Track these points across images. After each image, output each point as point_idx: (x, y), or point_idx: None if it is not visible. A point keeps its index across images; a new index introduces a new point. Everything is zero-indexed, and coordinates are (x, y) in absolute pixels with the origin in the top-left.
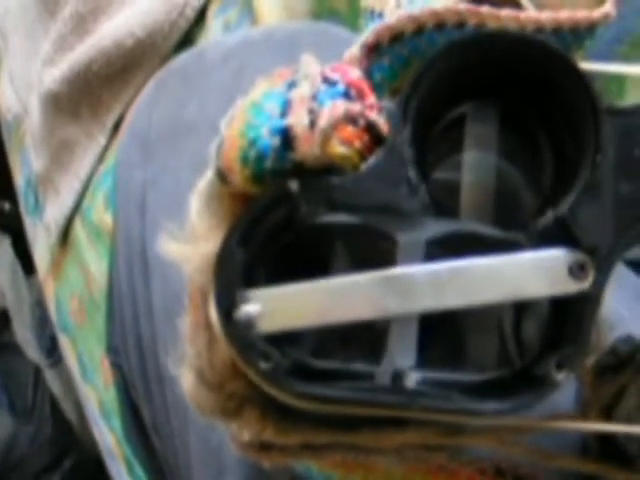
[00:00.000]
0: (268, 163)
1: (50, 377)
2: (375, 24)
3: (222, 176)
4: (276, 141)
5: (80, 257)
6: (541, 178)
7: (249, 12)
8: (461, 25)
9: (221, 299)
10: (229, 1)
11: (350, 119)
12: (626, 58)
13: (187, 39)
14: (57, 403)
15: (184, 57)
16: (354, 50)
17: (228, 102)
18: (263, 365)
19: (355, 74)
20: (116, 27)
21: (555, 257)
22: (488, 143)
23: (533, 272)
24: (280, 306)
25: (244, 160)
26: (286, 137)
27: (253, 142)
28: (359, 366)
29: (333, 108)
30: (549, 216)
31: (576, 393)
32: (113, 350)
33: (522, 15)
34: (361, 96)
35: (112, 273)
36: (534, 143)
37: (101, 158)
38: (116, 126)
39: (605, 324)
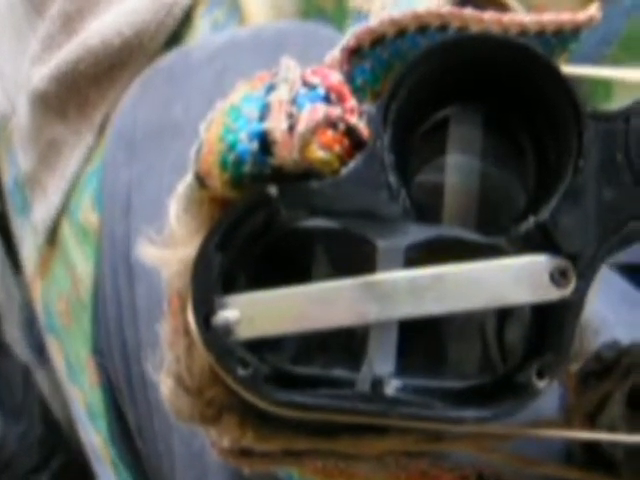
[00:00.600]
0: (247, 168)
1: (39, 377)
2: (361, 24)
3: (201, 180)
4: (255, 145)
5: (67, 257)
6: (524, 182)
7: (236, 12)
8: (444, 28)
9: (199, 305)
10: (216, 1)
11: (330, 123)
12: (614, 60)
13: (175, 38)
14: (46, 403)
15: (170, 57)
16: (335, 53)
17: (211, 104)
18: (241, 372)
19: (335, 78)
20: (104, 26)
21: (536, 263)
22: (471, 146)
23: (514, 278)
24: (259, 312)
25: (223, 164)
26: (265, 141)
27: (232, 146)
28: (339, 372)
29: (312, 112)
30: (530, 221)
31: (560, 399)
32: (98, 352)
33: (505, 18)
34: (341, 100)
35: (97, 274)
36: (518, 147)
37: (88, 157)
38: (103, 125)
39: (589, 329)
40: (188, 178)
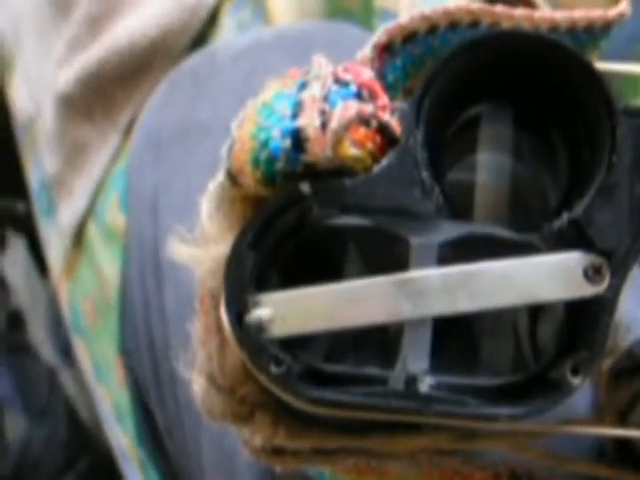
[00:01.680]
0: (279, 165)
1: (65, 378)
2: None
3: (233, 178)
4: (287, 143)
5: (93, 259)
6: (557, 179)
7: (262, 12)
8: (475, 24)
9: (232, 303)
10: (242, 1)
11: (362, 120)
12: None
13: (200, 39)
14: (72, 404)
15: (196, 58)
16: (366, 50)
17: (239, 103)
18: (274, 370)
19: (367, 75)
20: (129, 28)
21: (570, 260)
22: (503, 144)
23: (547, 275)
24: (292, 310)
25: (255, 162)
26: (297, 139)
27: (264, 144)
28: (372, 370)
29: (345, 109)
30: (564, 218)
31: (592, 396)
32: (126, 352)
33: (536, 14)
34: (373, 97)
35: (125, 275)
36: (549, 144)
37: (114, 159)
38: (129, 127)
39: (621, 326)
40: (220, 176)
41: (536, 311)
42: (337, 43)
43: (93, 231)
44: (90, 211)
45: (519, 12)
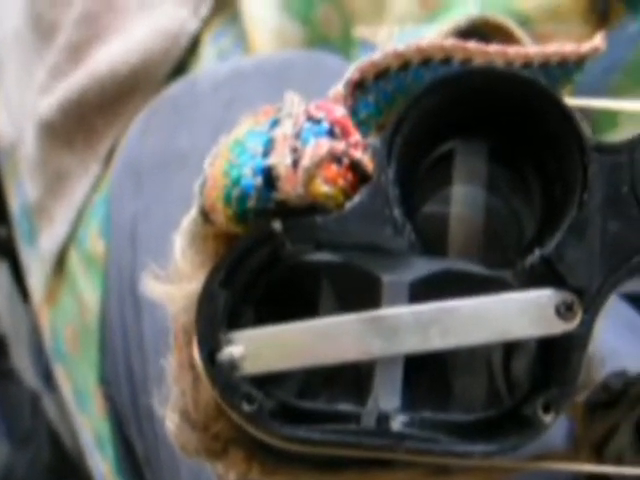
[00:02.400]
0: (251, 203)
1: (47, 403)
2: (367, 54)
3: (205, 215)
4: (259, 180)
5: (74, 286)
6: (530, 214)
7: (242, 41)
8: (447, 61)
9: (204, 340)
10: (223, 29)
11: (334, 158)
12: (619, 88)
13: (181, 67)
14: (55, 429)
15: (176, 87)
16: (339, 87)
17: (217, 134)
18: (246, 407)
19: (340, 112)
20: (111, 55)
21: (542, 297)
22: (477, 178)
23: (519, 312)
24: (264, 348)
25: (227, 199)
26: (269, 176)
27: (236, 181)
28: (345, 407)
29: (317, 147)
30: (536, 255)
31: (568, 428)
32: (105, 381)
33: (510, 50)
34: (345, 134)
35: (104, 303)
36: (524, 179)
37: (95, 187)
38: (109, 155)
39: (597, 359)
40: (192, 213)
41: (510, 346)
42: (316, 73)
43: (74, 258)
44: (71, 238)
45: (492, 48)
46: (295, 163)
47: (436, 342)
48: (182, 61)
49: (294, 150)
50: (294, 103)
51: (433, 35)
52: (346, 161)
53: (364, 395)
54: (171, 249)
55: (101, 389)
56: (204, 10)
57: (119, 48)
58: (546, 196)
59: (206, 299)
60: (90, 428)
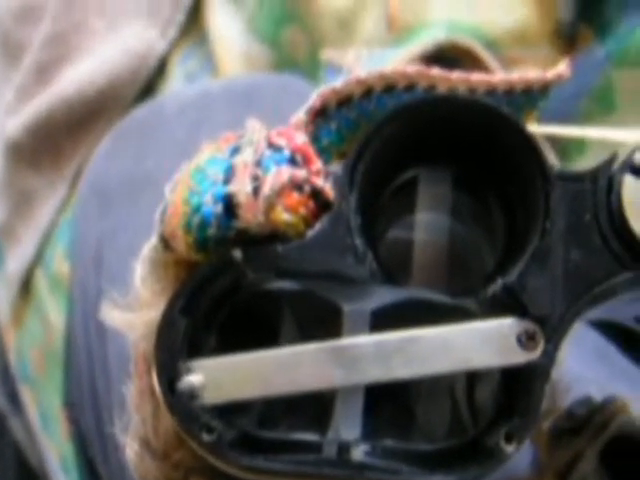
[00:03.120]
0: (211, 231)
1: (14, 424)
2: (333, 77)
3: (166, 242)
4: (219, 208)
5: (40, 308)
6: (494, 242)
7: (210, 63)
8: (411, 88)
9: (163, 369)
10: (191, 51)
11: (295, 186)
12: (587, 113)
13: (149, 89)
14: (21, 450)
15: (143, 109)
16: (300, 114)
17: (183, 156)
18: (206, 437)
19: (301, 139)
20: (78, 76)
21: (503, 326)
22: (441, 204)
23: (481, 342)
24: (224, 377)
25: (187, 227)
26: (229, 204)
27: (196, 209)
28: (306, 436)
29: (277, 174)
30: (498, 283)
31: (532, 455)
32: (70, 404)
33: (473, 77)
34: (307, 162)
35: (69, 325)
36: (487, 206)
37: (61, 208)
38: (76, 176)
39: (561, 386)
40: (153, 240)
41: (474, 375)
42: (283, 96)
43: (40, 280)
44: (38, 260)
45: (455, 75)
46: (256, 191)
47: (398, 372)
48: (150, 82)
49: (255, 178)
50: (255, 130)
51: (401, 58)
52: (307, 189)
53: (325, 424)
54: (132, 277)
55: (65, 411)
56: (172, 32)
57: (86, 69)
58: (509, 224)
59: (165, 327)
60: (55, 451)
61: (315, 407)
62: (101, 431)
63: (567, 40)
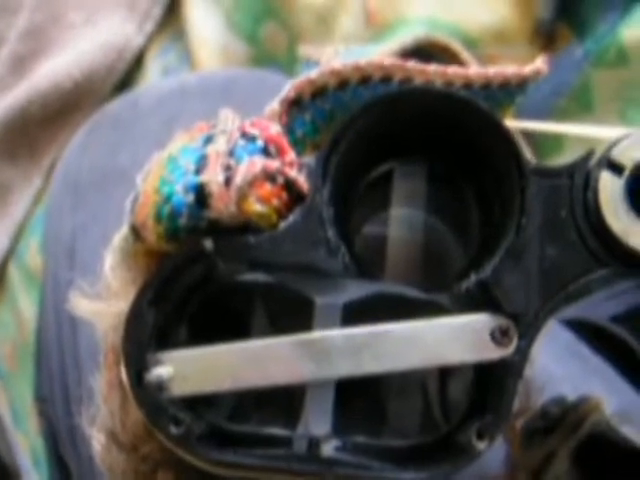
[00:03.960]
0: (182, 220)
1: None
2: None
3: (136, 232)
4: (190, 198)
5: (13, 301)
6: (469, 237)
7: (187, 57)
8: (387, 80)
9: (131, 361)
10: (168, 46)
11: (268, 176)
12: (565, 111)
13: (125, 82)
14: None
15: (118, 102)
16: (274, 105)
17: (159, 150)
18: (173, 430)
19: (275, 130)
20: (54, 69)
21: (477, 322)
22: (416, 199)
23: (454, 337)
24: (193, 369)
25: (158, 217)
26: (201, 194)
27: (167, 198)
28: (276, 430)
29: (250, 165)
30: (472, 279)
31: (505, 451)
32: (40, 398)
33: (450, 70)
34: (280, 153)
35: (40, 318)
36: (463, 201)
37: (36, 201)
38: (52, 169)
39: (535, 384)
40: (123, 229)
41: (446, 371)
42: (260, 91)
43: (13, 273)
44: (11, 253)
45: (432, 68)
46: (228, 181)
47: (369, 366)
48: (127, 76)
49: (227, 168)
50: (229, 120)
51: (378, 54)
52: (280, 180)
53: (296, 419)
54: (102, 268)
55: (36, 405)
56: (149, 26)
57: (63, 62)
58: (485, 219)
59: (134, 318)
60: (27, 446)
61: (285, 401)
62: (72, 426)
63: (546, 39)
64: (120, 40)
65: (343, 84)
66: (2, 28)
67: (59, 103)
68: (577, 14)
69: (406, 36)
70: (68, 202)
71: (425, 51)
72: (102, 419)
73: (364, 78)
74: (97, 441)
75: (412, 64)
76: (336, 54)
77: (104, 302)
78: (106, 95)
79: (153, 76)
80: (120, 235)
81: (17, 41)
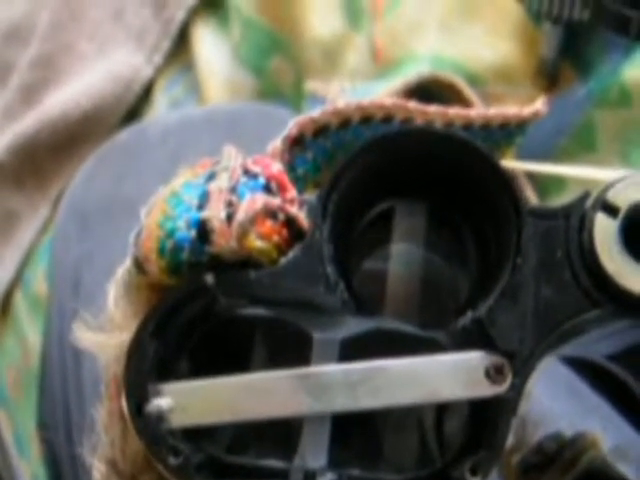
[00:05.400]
0: (184, 255)
1: None
2: (316, 109)
3: (139, 265)
4: (193, 233)
5: (19, 328)
6: (467, 274)
7: (195, 90)
8: (388, 120)
9: (132, 391)
10: (176, 78)
11: (269, 213)
12: (567, 151)
13: (133, 113)
14: None
15: (125, 133)
16: (277, 142)
17: (164, 182)
18: (172, 460)
19: (276, 167)
20: (64, 99)
21: (472, 359)
22: (415, 237)
23: (449, 374)
24: (193, 401)
25: (161, 251)
26: (203, 230)
27: (170, 233)
28: (273, 462)
29: (252, 201)
30: (468, 317)
31: None
32: (43, 425)
33: (450, 111)
34: (282, 190)
35: (45, 347)
36: (461, 239)
37: (43, 229)
38: (59, 198)
39: (531, 421)
40: (127, 262)
41: (443, 406)
42: (266, 125)
43: (19, 301)
44: (18, 280)
45: (432, 108)
46: (230, 217)
47: (365, 401)
48: (135, 107)
49: (229, 204)
50: (232, 156)
51: (383, 92)
52: (281, 217)
53: (292, 451)
54: (105, 299)
55: (39, 432)
56: (158, 58)
57: (72, 92)
58: (482, 257)
59: (135, 349)
60: (29, 473)
61: (283, 434)
62: (73, 455)
63: (549, 79)
64: (129, 71)
65: (345, 123)
66: (12, 56)
67: (67, 133)
68: (580, 54)
69: (410, 74)
70: (74, 230)
71: (429, 88)
72: (102, 448)
73: (366, 118)
74: (97, 470)
75: (413, 104)
76: (342, 91)
77: (107, 334)
78: (114, 126)
79: (161, 108)
80: (123, 268)
81: (27, 70)
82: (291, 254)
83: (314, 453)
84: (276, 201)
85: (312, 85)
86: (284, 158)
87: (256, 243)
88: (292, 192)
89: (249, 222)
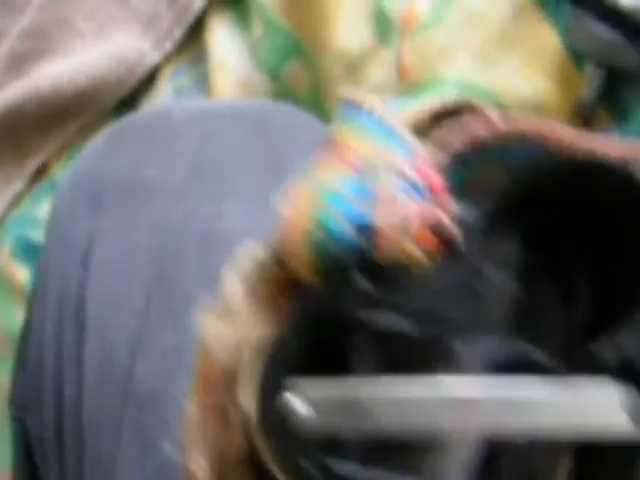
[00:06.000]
0: (336, 249)
1: None
2: (350, 112)
3: (279, 260)
4: (351, 229)
5: None
6: (575, 303)
7: (202, 82)
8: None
9: (267, 389)
10: (183, 68)
11: (426, 222)
12: None
13: (134, 97)
14: None
15: (148, 115)
16: (441, 156)
17: (193, 166)
18: (302, 462)
19: (436, 178)
20: (57, 73)
21: (617, 396)
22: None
23: (595, 410)
24: (330, 406)
25: (312, 246)
26: (367, 230)
27: (324, 225)
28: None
29: (423, 212)
30: (607, 350)
31: None
32: (19, 405)
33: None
34: (439, 200)
35: (30, 324)
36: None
37: (14, 204)
38: (38, 173)
39: None
40: (258, 255)
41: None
42: (291, 124)
43: None
44: None
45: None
46: (392, 222)
47: (509, 426)
48: (136, 92)
49: (394, 209)
50: (389, 159)
51: (416, 111)
52: (436, 227)
53: (426, 471)
54: (131, 277)
55: (10, 410)
56: (169, 45)
57: (67, 67)
58: (598, 285)
59: (279, 348)
60: None
61: (416, 452)
62: (60, 433)
63: (583, 120)
64: (133, 54)
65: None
66: (5, 24)
67: (56, 108)
68: (617, 98)
69: (443, 96)
70: (85, 207)
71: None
72: (195, 444)
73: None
74: (196, 465)
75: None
76: (382, 102)
77: (229, 325)
78: (110, 108)
79: (165, 95)
80: (253, 261)
81: (18, 39)
82: (445, 268)
83: (452, 476)
84: (434, 210)
85: (347, 91)
86: (443, 170)
87: (414, 251)
88: (451, 205)
89: (417, 231)
